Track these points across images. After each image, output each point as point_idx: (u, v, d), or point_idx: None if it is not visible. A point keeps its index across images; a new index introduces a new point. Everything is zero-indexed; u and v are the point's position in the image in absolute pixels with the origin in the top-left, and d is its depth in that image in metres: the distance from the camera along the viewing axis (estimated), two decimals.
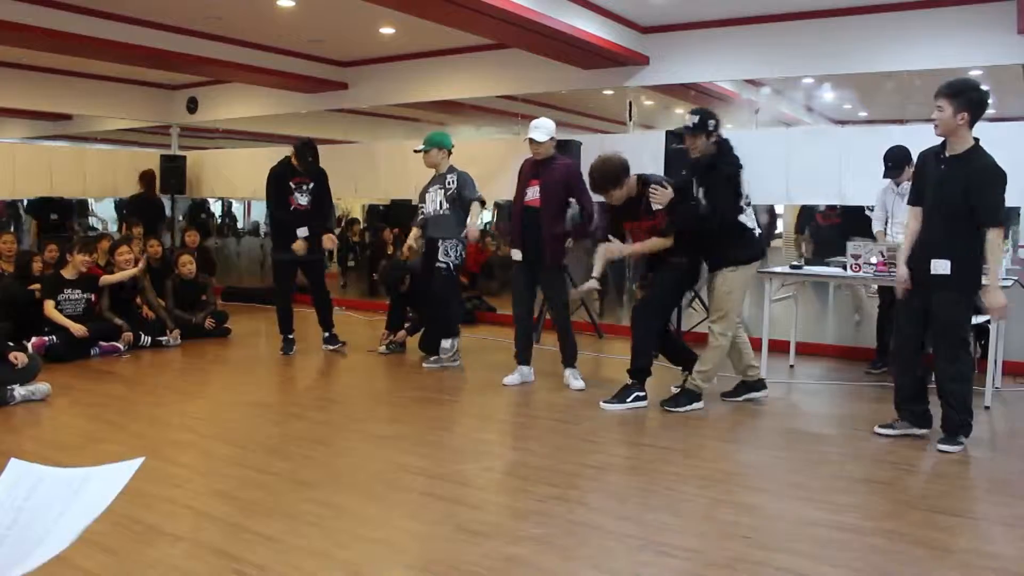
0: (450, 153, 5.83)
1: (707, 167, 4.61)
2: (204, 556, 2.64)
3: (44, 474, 1.03)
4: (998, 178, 3.83)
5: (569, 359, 5.33)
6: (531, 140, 5.15)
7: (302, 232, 6.20)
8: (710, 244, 4.65)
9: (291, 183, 6.24)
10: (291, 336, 6.43)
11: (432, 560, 2.66)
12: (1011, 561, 2.71)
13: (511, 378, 5.34)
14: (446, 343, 5.79)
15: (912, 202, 4.16)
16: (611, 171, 4.69)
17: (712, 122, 4.59)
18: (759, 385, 4.94)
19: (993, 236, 3.83)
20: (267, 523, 2.92)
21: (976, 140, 3.89)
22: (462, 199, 5.63)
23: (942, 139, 3.94)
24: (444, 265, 5.69)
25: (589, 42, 6.65)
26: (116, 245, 6.65)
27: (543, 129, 5.12)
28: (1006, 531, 3.00)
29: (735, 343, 4.77)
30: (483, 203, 5.69)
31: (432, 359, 5.92)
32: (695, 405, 4.68)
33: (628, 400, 4.74)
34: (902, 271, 4.11)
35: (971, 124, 3.83)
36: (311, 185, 6.28)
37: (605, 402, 4.77)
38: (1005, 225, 4.26)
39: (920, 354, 4.13)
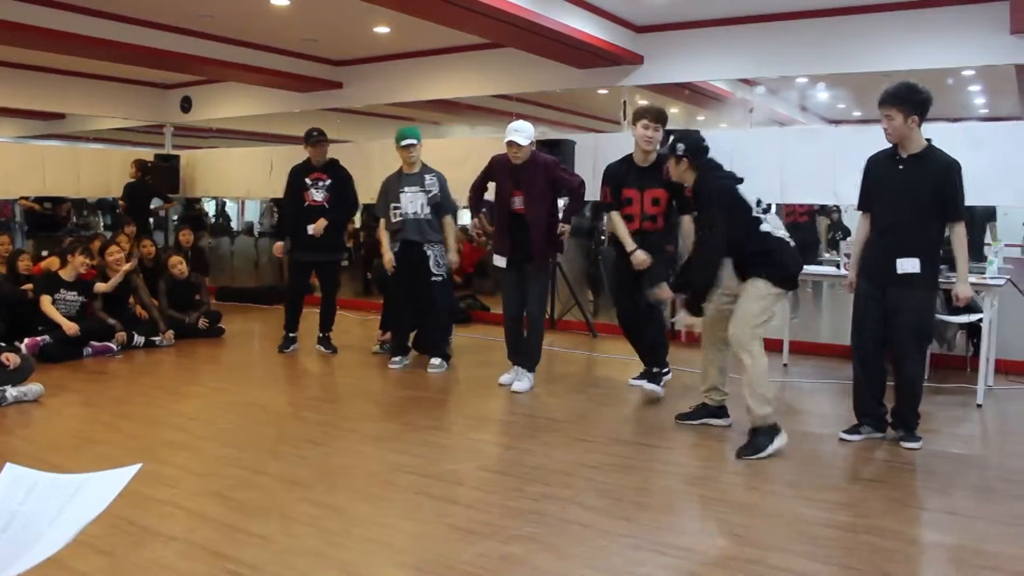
0: None
1: (696, 194, 4.07)
2: (198, 556, 2.64)
3: (40, 479, 1.03)
4: (960, 173, 3.89)
5: (532, 362, 5.24)
6: (512, 143, 4.98)
7: (311, 229, 6.17)
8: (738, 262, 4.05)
9: (307, 179, 6.24)
10: (293, 335, 6.43)
11: (426, 559, 2.66)
12: (1004, 559, 2.72)
13: (506, 377, 5.34)
14: (435, 361, 5.76)
15: (862, 207, 4.16)
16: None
17: (681, 146, 4.02)
18: (721, 412, 4.38)
19: (960, 230, 3.91)
20: (261, 523, 2.92)
21: (928, 140, 3.93)
22: (442, 206, 5.64)
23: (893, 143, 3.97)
24: (440, 277, 5.71)
25: (583, 41, 6.65)
26: (105, 246, 6.63)
27: (525, 133, 4.97)
28: (1000, 529, 3.00)
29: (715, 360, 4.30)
30: (456, 213, 5.79)
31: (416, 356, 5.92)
32: (776, 442, 3.89)
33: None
34: (852, 276, 4.21)
35: (920, 124, 3.87)
36: (327, 181, 6.25)
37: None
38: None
39: (881, 353, 4.13)
